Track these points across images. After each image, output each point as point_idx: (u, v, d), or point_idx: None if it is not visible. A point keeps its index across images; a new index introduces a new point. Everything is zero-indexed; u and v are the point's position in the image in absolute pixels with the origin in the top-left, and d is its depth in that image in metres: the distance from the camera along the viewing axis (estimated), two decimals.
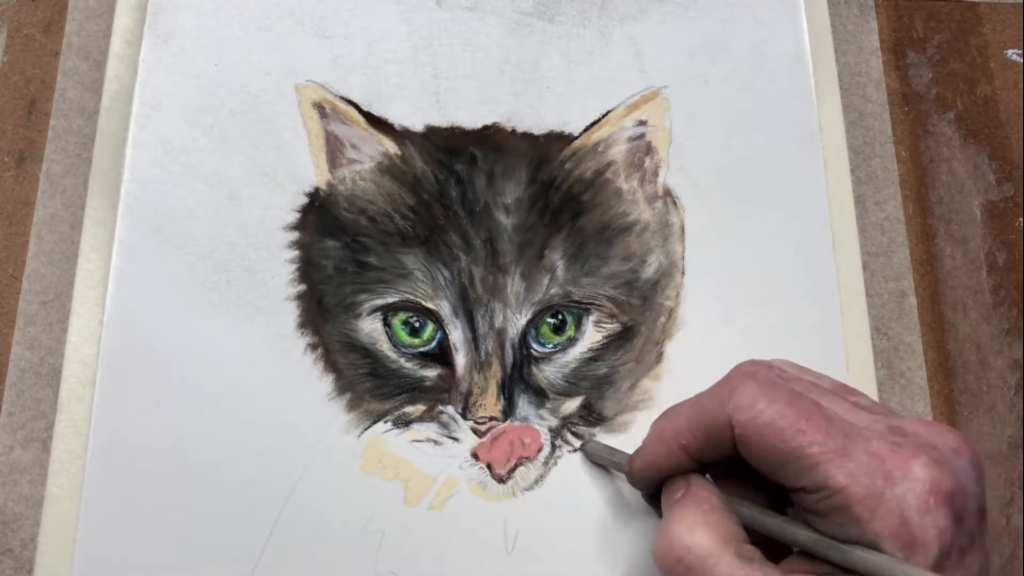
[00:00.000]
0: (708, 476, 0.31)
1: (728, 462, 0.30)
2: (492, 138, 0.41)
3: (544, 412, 0.37)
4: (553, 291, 0.38)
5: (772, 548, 0.29)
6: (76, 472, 0.35)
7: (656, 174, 0.41)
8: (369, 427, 0.37)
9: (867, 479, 0.25)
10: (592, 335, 0.38)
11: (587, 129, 0.41)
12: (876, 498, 0.25)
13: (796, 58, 0.44)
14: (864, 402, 0.29)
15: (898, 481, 0.25)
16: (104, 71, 0.41)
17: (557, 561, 0.36)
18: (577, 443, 0.38)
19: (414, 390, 0.37)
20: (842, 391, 0.30)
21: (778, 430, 0.27)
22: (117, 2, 0.42)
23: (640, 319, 0.39)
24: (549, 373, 0.38)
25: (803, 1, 0.45)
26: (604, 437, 0.38)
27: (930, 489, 0.25)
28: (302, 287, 0.38)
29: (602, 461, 0.37)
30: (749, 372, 0.29)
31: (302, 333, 0.37)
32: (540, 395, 0.37)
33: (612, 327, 0.39)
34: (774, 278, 0.40)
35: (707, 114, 0.42)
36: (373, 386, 0.37)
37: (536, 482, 0.37)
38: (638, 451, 0.32)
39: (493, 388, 0.37)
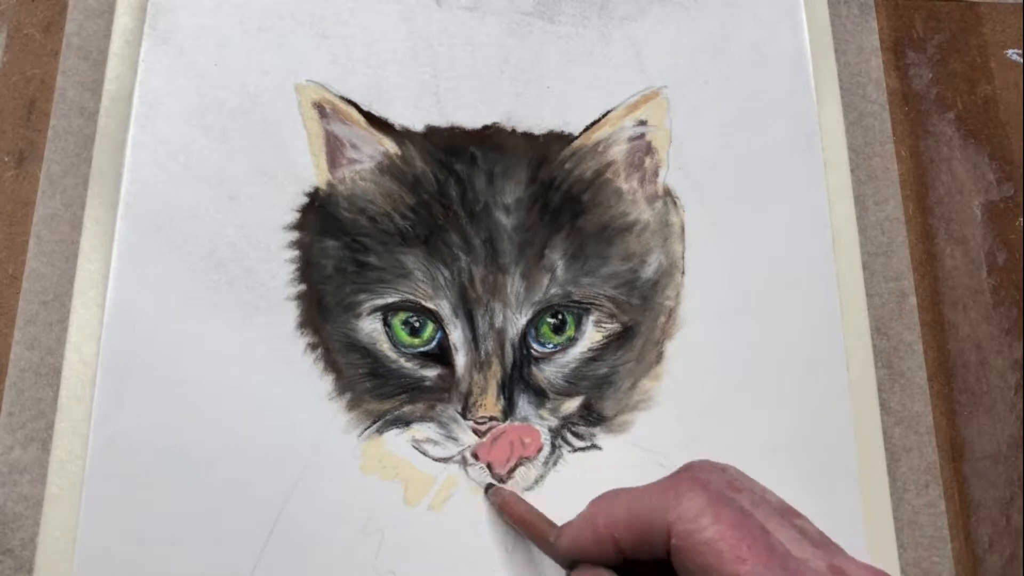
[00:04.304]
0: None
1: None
2: (492, 138, 0.41)
3: (544, 412, 0.37)
4: (553, 291, 0.38)
5: None
6: (76, 472, 0.35)
7: (656, 174, 0.41)
8: (369, 427, 0.37)
9: None
10: (592, 335, 0.38)
11: (587, 129, 0.41)
12: None
13: (796, 58, 0.44)
14: (809, 529, 0.28)
15: None
16: (104, 71, 0.41)
17: None
18: (578, 443, 0.38)
19: (414, 390, 0.37)
20: (789, 513, 0.29)
21: (717, 551, 0.25)
22: (117, 2, 0.42)
23: (640, 319, 0.39)
24: (549, 373, 0.38)
25: (803, 1, 0.45)
26: (603, 437, 0.38)
27: None
28: (302, 287, 0.38)
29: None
30: (701, 481, 0.27)
31: (302, 333, 0.37)
32: (540, 395, 0.37)
33: (612, 327, 0.39)
34: (774, 278, 0.40)
35: (707, 114, 0.42)
36: (373, 386, 0.37)
37: (536, 482, 0.37)
38: (567, 527, 0.30)
39: (493, 388, 0.37)
